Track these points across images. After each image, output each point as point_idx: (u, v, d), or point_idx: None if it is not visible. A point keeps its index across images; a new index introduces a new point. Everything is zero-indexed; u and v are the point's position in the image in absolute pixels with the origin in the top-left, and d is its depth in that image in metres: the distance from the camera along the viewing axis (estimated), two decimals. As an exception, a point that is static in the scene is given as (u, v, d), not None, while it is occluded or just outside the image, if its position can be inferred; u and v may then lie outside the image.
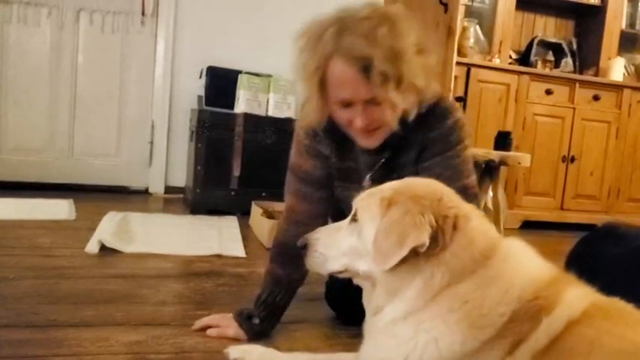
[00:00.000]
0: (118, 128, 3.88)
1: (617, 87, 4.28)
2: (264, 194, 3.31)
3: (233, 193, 3.43)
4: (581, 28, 4.65)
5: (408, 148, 1.43)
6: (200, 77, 3.67)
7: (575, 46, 4.53)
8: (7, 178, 3.55)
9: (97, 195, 3.61)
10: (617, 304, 0.99)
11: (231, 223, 3.09)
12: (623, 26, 4.53)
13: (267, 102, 3.54)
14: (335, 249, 1.12)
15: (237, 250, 2.49)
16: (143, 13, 3.81)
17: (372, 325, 1.08)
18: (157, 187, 3.92)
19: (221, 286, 1.97)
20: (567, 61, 4.44)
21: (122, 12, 3.78)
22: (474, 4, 4.22)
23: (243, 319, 1.48)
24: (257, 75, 3.53)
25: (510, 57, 4.33)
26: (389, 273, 1.00)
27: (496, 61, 4.10)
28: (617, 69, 4.37)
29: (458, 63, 3.35)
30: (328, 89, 1.33)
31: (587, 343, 0.90)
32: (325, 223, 1.46)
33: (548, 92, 4.11)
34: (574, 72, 4.41)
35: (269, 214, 2.73)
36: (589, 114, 4.20)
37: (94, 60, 3.78)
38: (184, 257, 2.31)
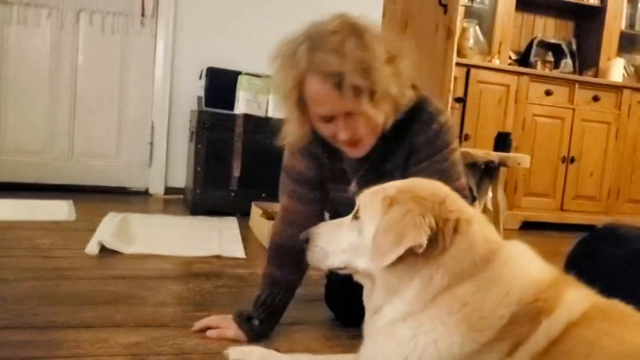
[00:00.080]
0: (118, 129, 3.89)
1: (616, 88, 4.28)
2: (264, 195, 3.30)
3: (233, 194, 3.43)
4: (580, 28, 4.65)
5: (392, 154, 1.44)
6: (200, 78, 3.67)
7: (574, 47, 4.53)
8: (7, 179, 3.56)
9: (97, 196, 3.62)
10: (617, 305, 0.99)
11: (231, 224, 3.09)
12: (623, 27, 4.53)
13: (267, 103, 3.54)
14: (336, 245, 1.13)
15: (237, 251, 2.49)
16: (143, 14, 3.82)
17: (371, 325, 1.08)
18: (157, 188, 3.93)
19: (221, 287, 1.97)
20: (567, 62, 4.44)
21: (122, 13, 3.79)
22: (474, 4, 4.22)
23: (243, 320, 1.48)
24: (257, 76, 3.53)
25: (510, 58, 4.33)
26: (387, 271, 1.01)
27: (496, 62, 4.10)
28: (616, 70, 4.38)
29: (457, 64, 3.35)
30: (308, 106, 1.34)
31: (586, 345, 0.90)
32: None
33: (548, 93, 4.11)
34: (574, 73, 4.41)
35: (269, 215, 2.73)
36: (589, 115, 4.21)
37: (93, 61, 3.79)
38: (184, 258, 2.31)
